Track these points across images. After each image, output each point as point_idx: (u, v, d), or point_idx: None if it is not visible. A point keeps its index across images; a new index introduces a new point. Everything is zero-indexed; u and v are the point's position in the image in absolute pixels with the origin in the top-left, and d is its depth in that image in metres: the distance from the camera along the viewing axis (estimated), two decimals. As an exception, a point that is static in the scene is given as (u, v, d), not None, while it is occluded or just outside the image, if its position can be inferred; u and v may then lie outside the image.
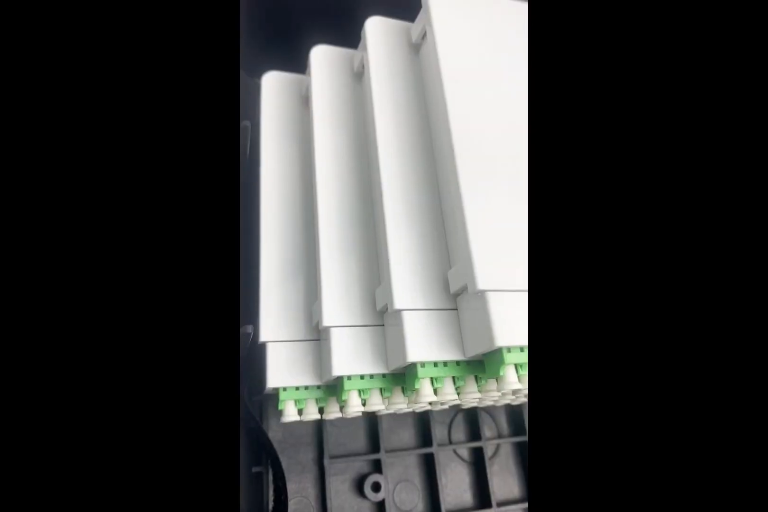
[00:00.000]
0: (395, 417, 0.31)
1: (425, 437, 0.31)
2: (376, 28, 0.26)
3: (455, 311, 0.21)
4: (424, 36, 0.25)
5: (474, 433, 0.32)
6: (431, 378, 0.20)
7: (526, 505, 0.31)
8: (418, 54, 0.26)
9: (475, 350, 0.19)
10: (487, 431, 0.32)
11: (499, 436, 0.33)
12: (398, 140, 0.24)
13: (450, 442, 0.32)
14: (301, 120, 0.29)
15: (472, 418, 0.33)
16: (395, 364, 0.21)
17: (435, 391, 0.21)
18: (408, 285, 0.21)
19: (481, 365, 0.20)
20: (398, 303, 0.20)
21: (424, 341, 0.20)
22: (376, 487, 0.29)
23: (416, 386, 0.20)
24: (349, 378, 0.22)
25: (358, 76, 0.28)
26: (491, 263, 0.19)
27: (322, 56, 0.28)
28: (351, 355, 0.22)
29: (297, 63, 0.29)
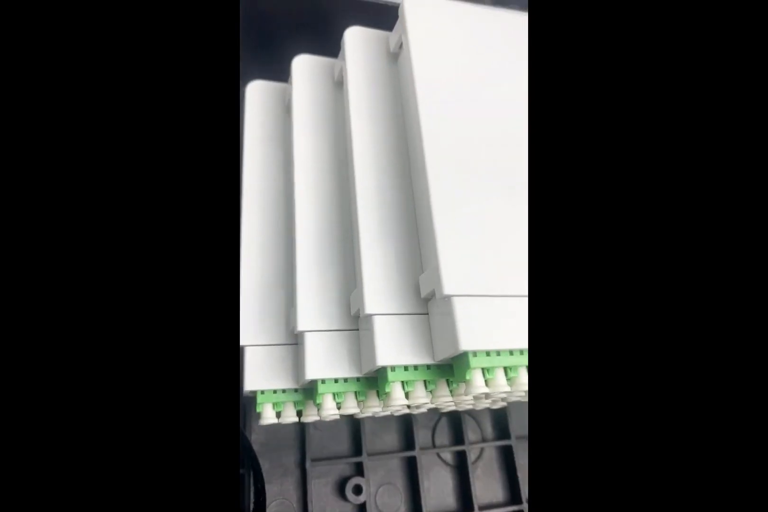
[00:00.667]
0: (378, 420, 0.31)
1: (408, 440, 0.31)
2: (356, 37, 0.27)
3: (426, 316, 0.21)
4: (401, 45, 0.26)
5: (458, 437, 0.33)
6: (402, 382, 0.21)
7: (509, 509, 0.31)
8: (396, 63, 0.27)
9: (443, 354, 0.20)
10: (471, 435, 0.33)
11: (483, 440, 0.33)
12: (374, 147, 0.24)
13: (433, 446, 0.32)
14: (284, 128, 0.30)
15: (456, 422, 0.33)
16: (368, 368, 0.21)
17: (406, 395, 0.21)
18: (380, 290, 0.21)
19: (452, 369, 0.21)
20: (369, 308, 0.20)
21: (395, 345, 0.20)
22: (358, 490, 0.29)
23: (387, 389, 0.21)
24: (323, 381, 0.22)
25: (339, 84, 0.28)
26: (458, 268, 0.19)
27: (303, 65, 0.28)
28: (325, 359, 0.22)
29: (281, 72, 0.30)
